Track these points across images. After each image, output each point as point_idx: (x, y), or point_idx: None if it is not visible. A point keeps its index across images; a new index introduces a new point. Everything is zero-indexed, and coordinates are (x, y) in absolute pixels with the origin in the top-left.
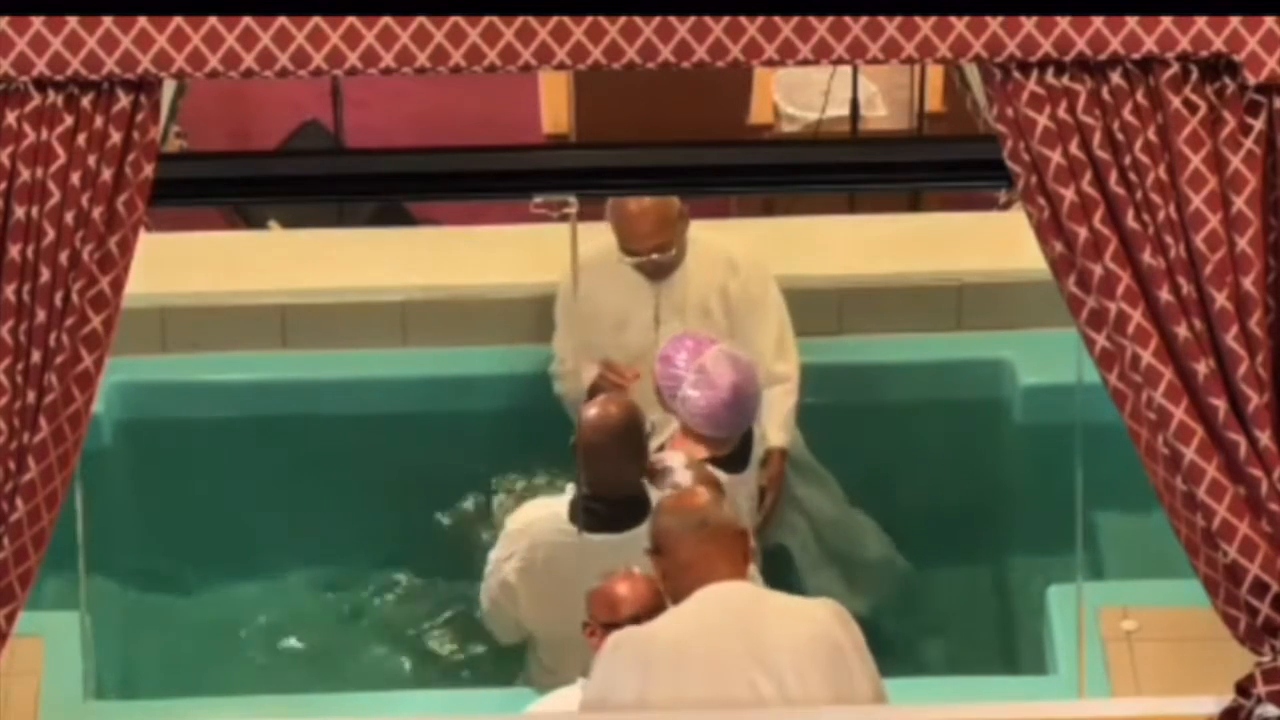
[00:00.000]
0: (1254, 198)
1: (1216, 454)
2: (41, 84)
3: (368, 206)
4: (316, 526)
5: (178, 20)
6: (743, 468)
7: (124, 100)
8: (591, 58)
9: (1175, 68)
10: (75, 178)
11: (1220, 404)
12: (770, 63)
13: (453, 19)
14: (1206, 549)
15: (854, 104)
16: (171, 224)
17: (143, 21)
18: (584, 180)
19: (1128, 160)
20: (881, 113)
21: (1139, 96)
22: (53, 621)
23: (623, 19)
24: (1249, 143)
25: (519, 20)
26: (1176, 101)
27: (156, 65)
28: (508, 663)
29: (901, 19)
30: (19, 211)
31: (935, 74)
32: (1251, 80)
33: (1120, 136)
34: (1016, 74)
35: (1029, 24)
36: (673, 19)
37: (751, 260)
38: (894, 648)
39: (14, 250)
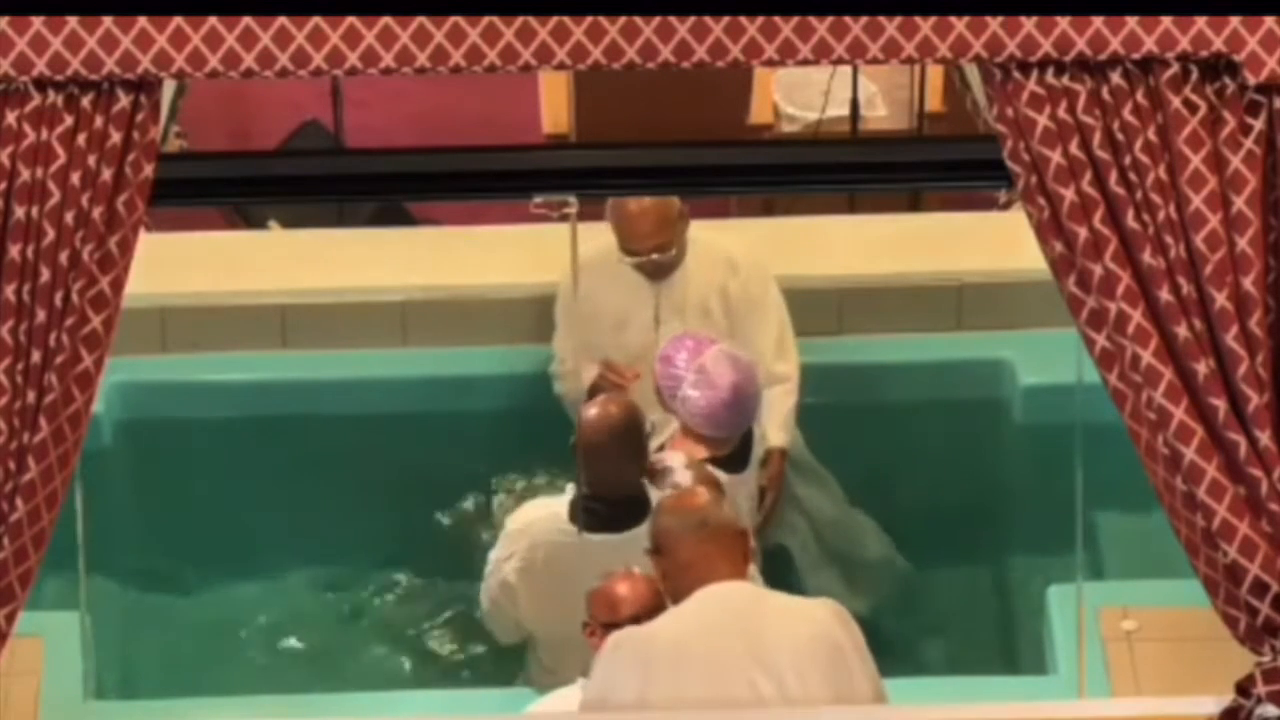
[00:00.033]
0: (1254, 198)
1: (1216, 454)
2: (41, 84)
3: (368, 206)
4: (316, 526)
5: (178, 20)
6: (743, 468)
7: (124, 100)
8: (591, 58)
9: (1175, 68)
10: (75, 178)
11: (1220, 404)
12: (770, 63)
13: (453, 19)
14: (1206, 549)
15: (854, 104)
16: (171, 224)
17: (143, 21)
18: (584, 180)
19: (1128, 160)
20: (881, 113)
21: (1139, 96)
22: (53, 621)
23: (623, 19)
24: (1249, 143)
25: (519, 20)
26: (1176, 101)
27: (156, 65)
28: (508, 663)
29: (901, 19)
30: (19, 211)
31: (935, 74)
32: (1251, 80)
33: (1120, 136)
34: (1016, 74)
35: (1029, 24)
36: (673, 19)
37: (751, 260)
38: (894, 648)
39: (14, 250)
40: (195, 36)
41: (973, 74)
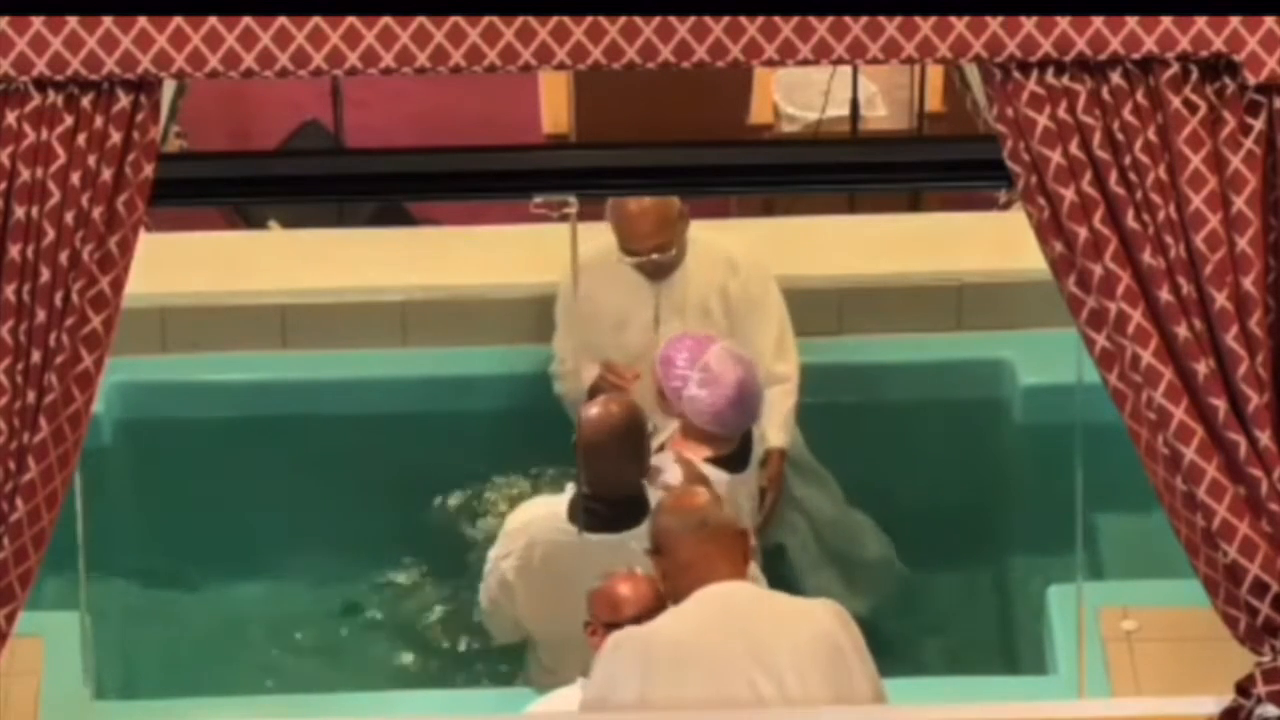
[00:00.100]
0: (1254, 198)
1: (1216, 454)
2: (41, 84)
3: (368, 206)
4: (316, 527)
5: (178, 20)
6: (743, 468)
7: (124, 100)
8: (591, 58)
9: (1175, 68)
10: (75, 178)
11: (1220, 404)
12: (770, 63)
13: (453, 19)
14: (1206, 549)
15: (854, 104)
16: (171, 224)
17: (143, 21)
18: (584, 180)
19: (1128, 160)
20: (881, 113)
21: (1139, 96)
22: (53, 621)
23: (623, 19)
24: (1249, 143)
25: (519, 20)
26: (1176, 101)
27: (156, 65)
28: (508, 663)
29: (901, 19)
30: (19, 211)
31: (935, 74)
32: (1251, 80)
33: (1120, 136)
34: (1016, 74)
35: (1029, 24)
36: (673, 19)
37: (751, 260)
38: (894, 648)
39: (14, 250)
40: (195, 36)
41: (973, 74)
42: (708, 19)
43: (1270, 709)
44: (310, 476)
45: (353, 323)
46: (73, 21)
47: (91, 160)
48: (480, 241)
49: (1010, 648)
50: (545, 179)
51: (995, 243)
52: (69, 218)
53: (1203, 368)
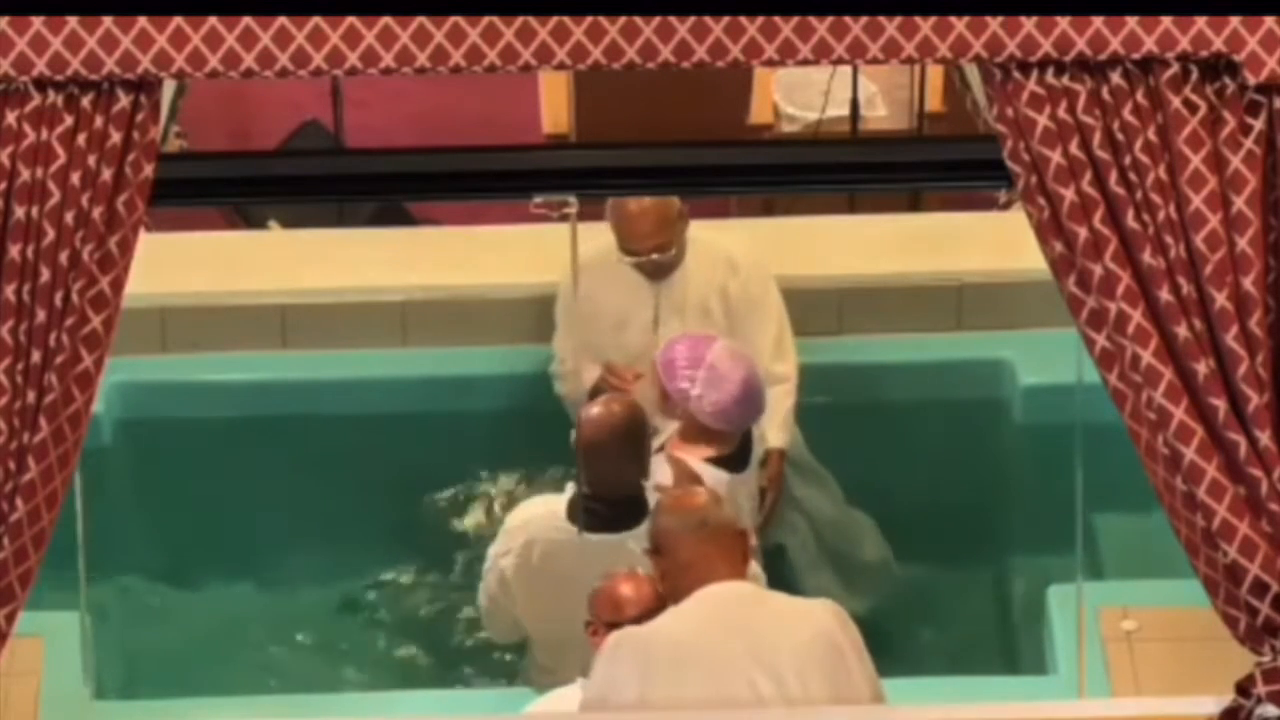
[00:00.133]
0: (1254, 198)
1: (1216, 454)
2: (41, 84)
3: (368, 206)
4: (316, 527)
5: (178, 20)
6: (743, 468)
7: (124, 100)
8: (591, 58)
9: (1175, 68)
10: (75, 178)
11: (1220, 404)
12: (770, 63)
13: (453, 19)
14: (1206, 549)
15: (854, 104)
16: (171, 224)
17: (143, 21)
18: (584, 180)
19: (1128, 160)
20: (881, 113)
21: (1139, 96)
22: (53, 621)
23: (623, 19)
24: (1249, 143)
25: (519, 20)
26: (1176, 101)
27: (156, 65)
28: (507, 662)
29: (901, 19)
30: (19, 211)
31: (935, 74)
32: (1251, 80)
33: (1120, 136)
34: (1016, 74)
35: (1029, 24)
36: (673, 19)
37: (751, 260)
38: (894, 648)
39: (14, 250)
40: (195, 36)
41: (973, 74)
42: (708, 19)
43: (1270, 709)
44: (310, 476)
45: (353, 323)
46: (73, 21)
47: (91, 160)
48: (480, 241)
49: (1010, 648)
50: (545, 179)
51: (995, 243)
52: (69, 218)
53: (1203, 368)
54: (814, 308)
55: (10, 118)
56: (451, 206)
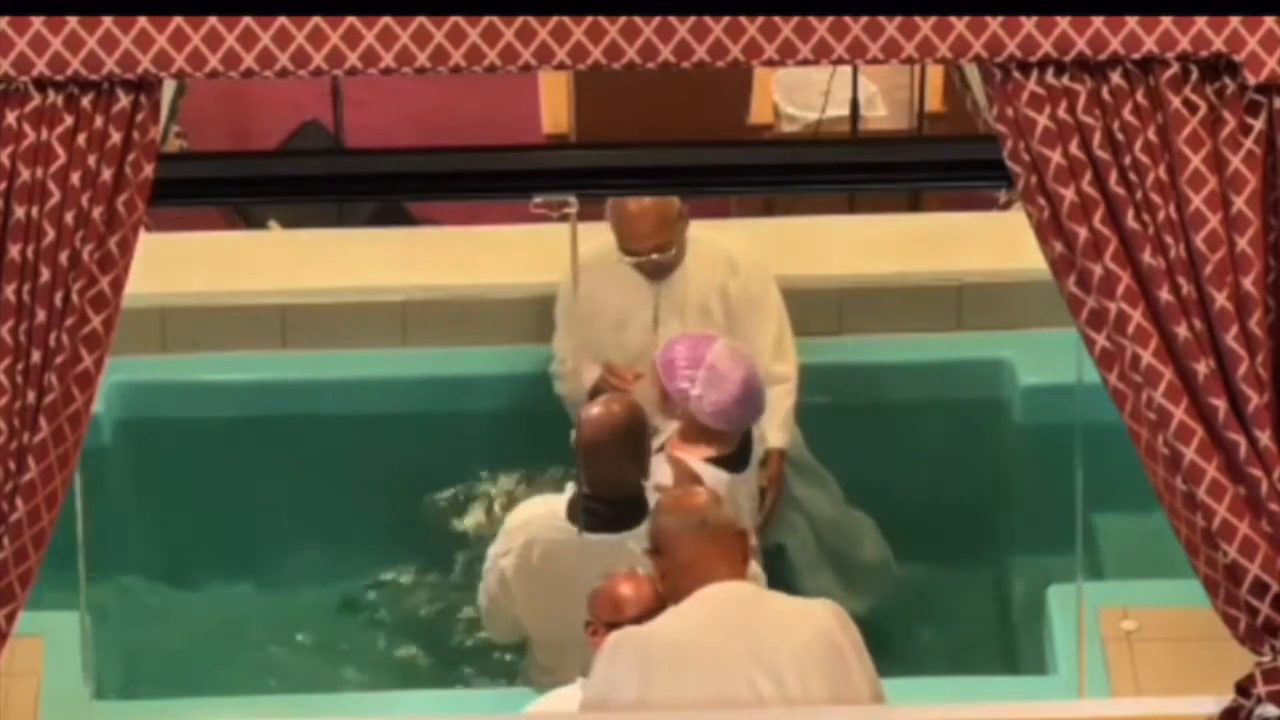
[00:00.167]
0: (1254, 198)
1: (1216, 454)
2: (41, 84)
3: (368, 206)
4: (316, 527)
5: (178, 20)
6: (743, 468)
7: (124, 100)
8: (591, 58)
9: (1175, 68)
10: (75, 178)
11: (1220, 404)
12: (770, 63)
13: (453, 19)
14: (1206, 549)
15: (854, 104)
16: (171, 224)
17: (143, 21)
18: (584, 180)
19: (1128, 160)
20: (881, 113)
21: (1139, 96)
22: (53, 621)
23: (623, 19)
24: (1249, 143)
25: (519, 20)
26: (1176, 101)
27: (156, 65)
28: (507, 662)
29: (901, 19)
30: (19, 211)
31: (935, 74)
32: (1251, 80)
33: (1120, 136)
34: (1016, 74)
35: (1029, 24)
36: (673, 19)
37: (751, 260)
38: (894, 648)
39: (14, 250)
40: (195, 36)
41: (973, 74)
42: (708, 19)
43: (1270, 709)
44: (310, 476)
45: (353, 323)
46: (73, 21)
47: (91, 160)
48: (480, 241)
49: (1010, 648)
50: (545, 179)
51: (995, 243)
52: (69, 218)
53: (1203, 368)
54: (814, 308)
55: (10, 118)
56: (451, 206)
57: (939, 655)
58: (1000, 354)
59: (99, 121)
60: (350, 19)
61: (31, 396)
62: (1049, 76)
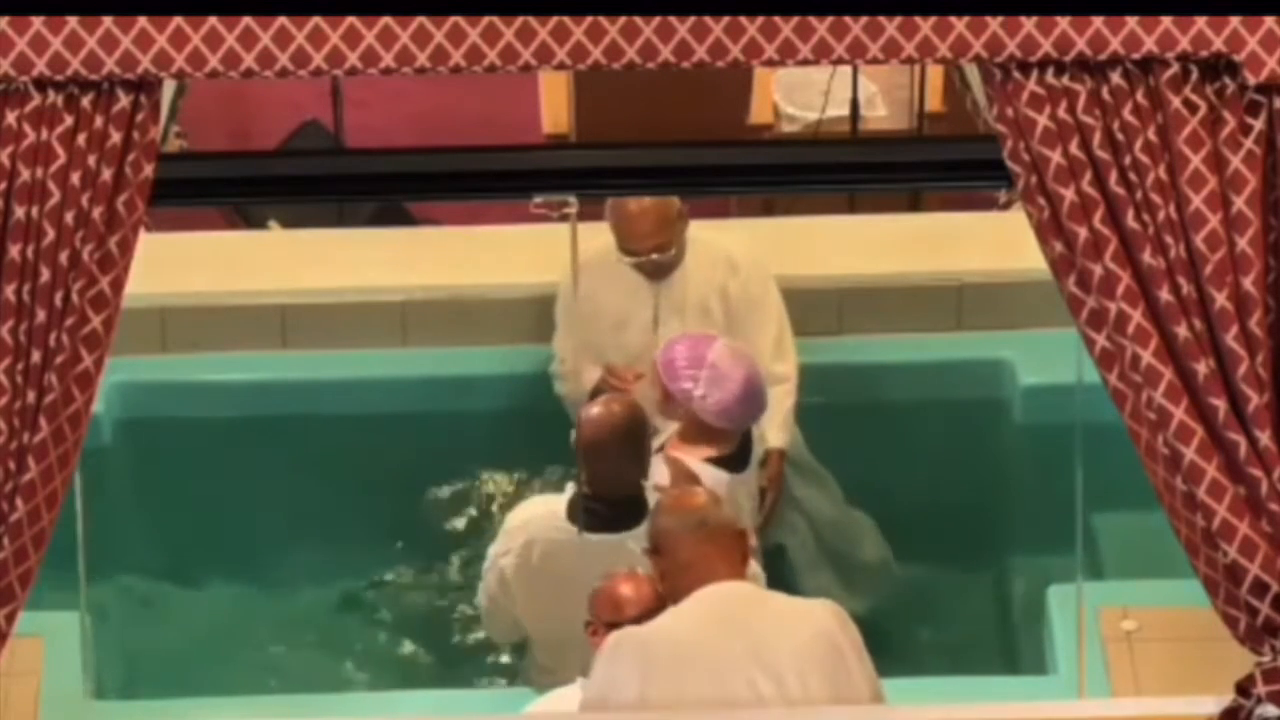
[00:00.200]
0: (1254, 198)
1: (1216, 454)
2: (41, 84)
3: (368, 206)
4: (316, 527)
5: (178, 20)
6: (743, 468)
7: (124, 100)
8: (591, 58)
9: (1175, 68)
10: (75, 178)
11: (1220, 404)
12: (770, 63)
13: (453, 19)
14: (1206, 549)
15: (854, 104)
16: (171, 224)
17: (143, 21)
18: (584, 180)
19: (1128, 160)
20: (881, 113)
21: (1139, 96)
22: (53, 621)
23: (623, 19)
24: (1249, 143)
25: (519, 20)
26: (1176, 101)
27: (156, 65)
28: (507, 663)
29: (901, 19)
30: (19, 211)
31: (935, 74)
32: (1251, 80)
33: (1120, 136)
34: (1016, 74)
35: (1029, 24)
36: (673, 19)
37: (751, 260)
38: (894, 648)
39: (14, 250)
40: (195, 36)
41: (973, 74)
42: (708, 19)
43: (1270, 709)
44: (310, 476)
45: (353, 323)
46: (73, 21)
47: (91, 160)
48: (480, 241)
49: (1010, 648)
50: (545, 179)
51: (995, 243)
52: (69, 218)
53: (1203, 368)
54: (814, 308)
55: (10, 118)
56: (451, 206)
57: (939, 655)
58: (1000, 354)
59: (99, 121)
60: (350, 19)
61: (31, 396)
62: (1049, 76)
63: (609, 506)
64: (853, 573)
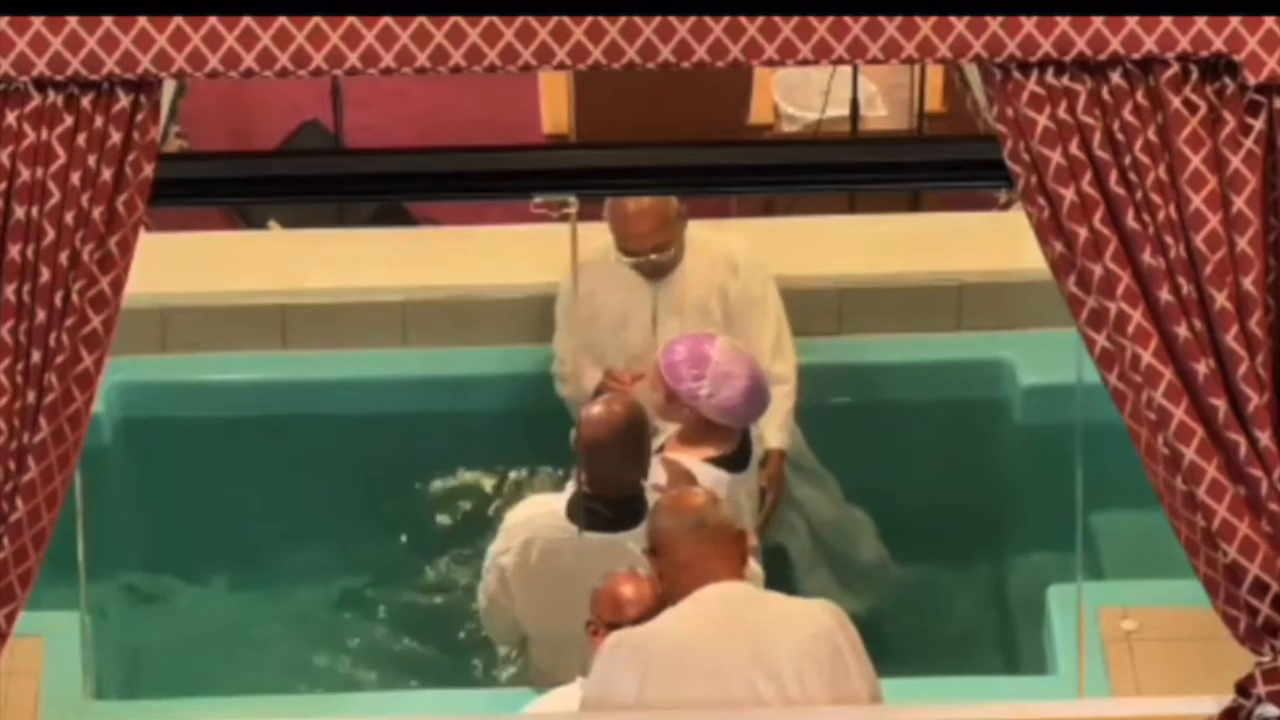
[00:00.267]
0: (1254, 198)
1: (1216, 454)
2: (41, 84)
3: (368, 206)
4: (316, 526)
5: (178, 20)
6: (743, 468)
7: (124, 100)
8: (591, 58)
9: (1175, 68)
10: (75, 178)
11: (1220, 404)
12: (770, 63)
13: (453, 19)
14: (1206, 549)
15: (854, 104)
16: (171, 224)
17: (143, 21)
18: (584, 180)
19: (1128, 160)
20: (881, 113)
21: (1139, 96)
22: (53, 621)
23: (623, 19)
24: (1249, 143)
25: (519, 20)
26: (1176, 101)
27: (156, 65)
28: (507, 662)
29: (901, 19)
30: (19, 211)
31: (935, 74)
32: (1251, 80)
33: (1120, 136)
34: (1016, 74)
35: (1029, 24)
36: (673, 19)
37: (751, 260)
38: (893, 648)
39: (14, 250)
40: (195, 36)
41: (973, 74)
42: (708, 19)
43: (1270, 709)
44: (310, 476)
45: (353, 323)
46: (73, 21)
47: (91, 160)
48: (480, 241)
49: (1010, 648)
50: (545, 179)
51: (995, 243)
52: (69, 218)
53: (1203, 368)
54: (814, 308)
55: (10, 118)
56: (451, 206)
57: (939, 655)
58: (1000, 354)
59: (99, 121)
60: (350, 19)
61: (31, 396)
62: (1049, 76)
63: (609, 506)
64: (851, 573)
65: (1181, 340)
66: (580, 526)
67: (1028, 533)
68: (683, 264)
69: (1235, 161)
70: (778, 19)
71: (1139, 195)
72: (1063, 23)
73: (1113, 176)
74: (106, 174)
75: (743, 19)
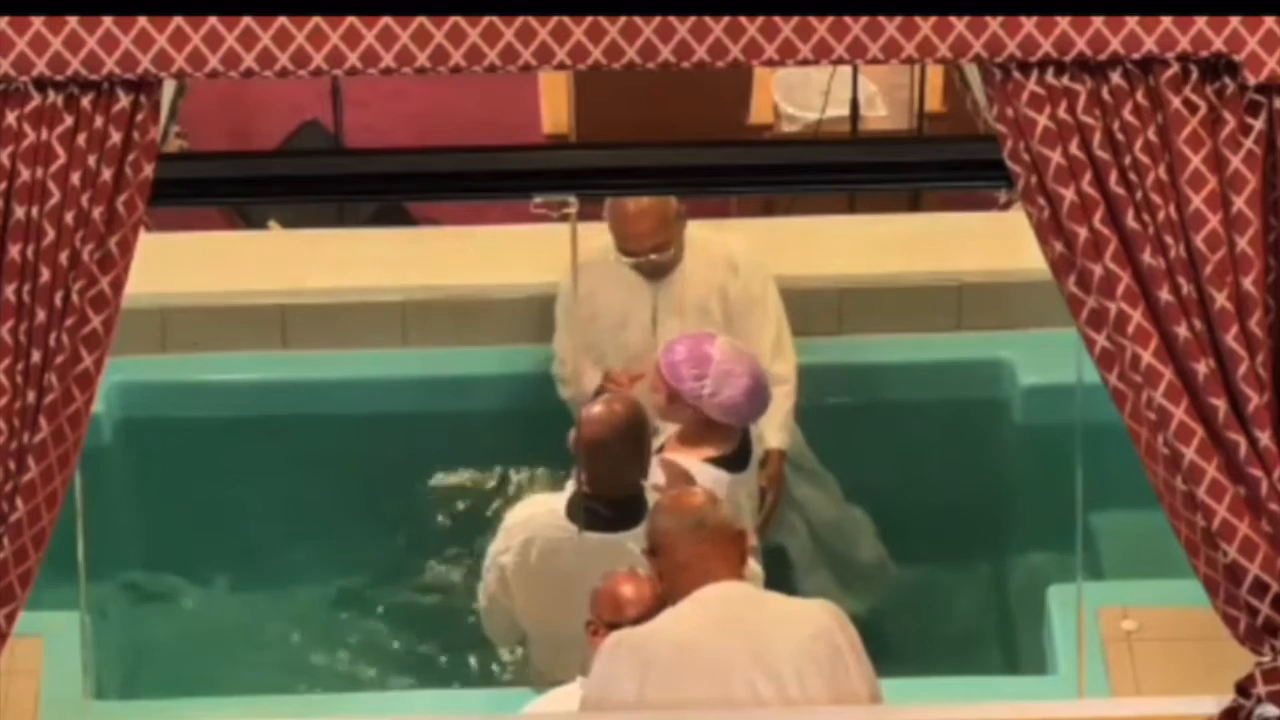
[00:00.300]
0: (1254, 198)
1: (1216, 454)
2: (41, 84)
3: (368, 206)
4: (316, 526)
5: (178, 20)
6: (743, 468)
7: (124, 100)
8: (591, 58)
9: (1175, 68)
10: (75, 178)
11: (1220, 404)
12: (770, 63)
13: (453, 19)
14: (1206, 549)
15: (854, 104)
16: (171, 224)
17: (143, 21)
18: (584, 180)
19: (1128, 160)
20: (881, 113)
21: (1139, 96)
22: (53, 621)
23: (623, 19)
24: (1249, 143)
25: (519, 20)
26: (1176, 101)
27: (156, 65)
28: (507, 662)
29: (901, 19)
30: (19, 211)
31: (935, 74)
32: (1251, 80)
33: (1120, 136)
34: (1016, 74)
35: (1029, 24)
36: (673, 19)
37: (751, 260)
38: (893, 648)
39: (14, 250)
40: (195, 36)
41: (973, 74)
42: (708, 19)
43: (1270, 709)
44: (310, 476)
45: (353, 323)
46: (73, 21)
47: (91, 160)
48: (480, 241)
49: (1010, 648)
50: (545, 179)
51: (995, 243)
52: (69, 218)
53: (1203, 368)
54: (814, 308)
55: (10, 118)
56: (451, 206)
57: (939, 655)
58: (1000, 354)
59: (99, 121)
60: (350, 19)
61: (31, 396)
62: (1049, 76)
63: (609, 505)
64: (851, 573)
65: (1181, 340)
66: (580, 526)
67: (1028, 533)
68: (683, 264)
69: (1235, 161)
70: (778, 19)
71: (1139, 195)
72: (1063, 23)
73: (1113, 176)
74: (106, 174)
75: (743, 19)
